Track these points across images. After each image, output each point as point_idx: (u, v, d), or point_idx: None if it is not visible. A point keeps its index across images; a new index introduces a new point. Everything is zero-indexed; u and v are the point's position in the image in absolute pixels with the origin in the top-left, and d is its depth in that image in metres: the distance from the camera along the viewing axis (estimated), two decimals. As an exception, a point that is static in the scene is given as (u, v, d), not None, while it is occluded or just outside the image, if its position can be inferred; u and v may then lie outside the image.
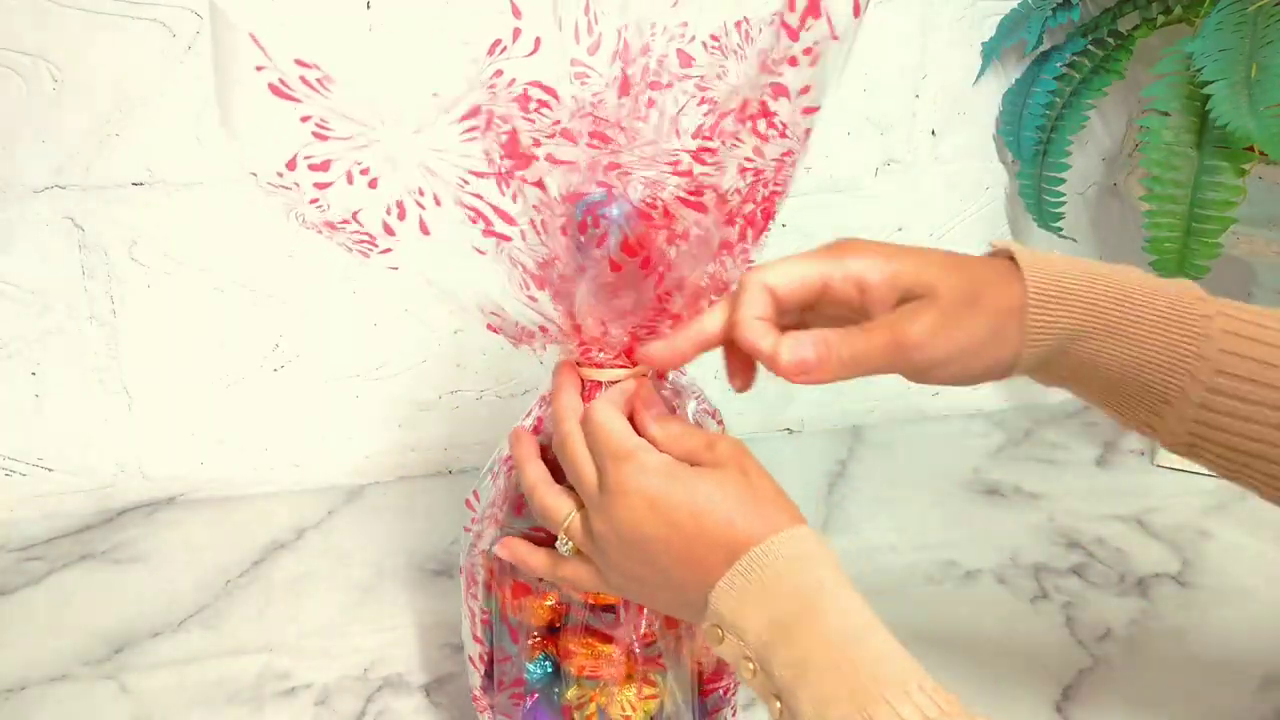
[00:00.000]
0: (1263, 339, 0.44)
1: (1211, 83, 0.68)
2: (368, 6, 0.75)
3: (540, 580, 0.50)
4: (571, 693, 0.51)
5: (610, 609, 0.50)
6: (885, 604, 0.72)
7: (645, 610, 0.50)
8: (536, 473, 0.48)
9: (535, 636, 0.52)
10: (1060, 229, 0.89)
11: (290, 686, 0.63)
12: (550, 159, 0.45)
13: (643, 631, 0.50)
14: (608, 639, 0.50)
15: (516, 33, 0.44)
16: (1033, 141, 0.87)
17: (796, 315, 0.47)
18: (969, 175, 0.94)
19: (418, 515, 0.83)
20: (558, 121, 0.45)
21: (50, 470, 0.82)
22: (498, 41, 0.45)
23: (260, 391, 0.84)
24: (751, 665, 0.41)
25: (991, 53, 0.89)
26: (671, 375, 0.52)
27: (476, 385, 0.89)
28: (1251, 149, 0.70)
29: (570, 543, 0.46)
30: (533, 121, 0.45)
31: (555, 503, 0.47)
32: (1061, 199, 0.88)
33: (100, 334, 0.79)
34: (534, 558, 0.49)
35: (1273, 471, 0.45)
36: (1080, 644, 0.67)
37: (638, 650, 0.50)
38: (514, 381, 0.90)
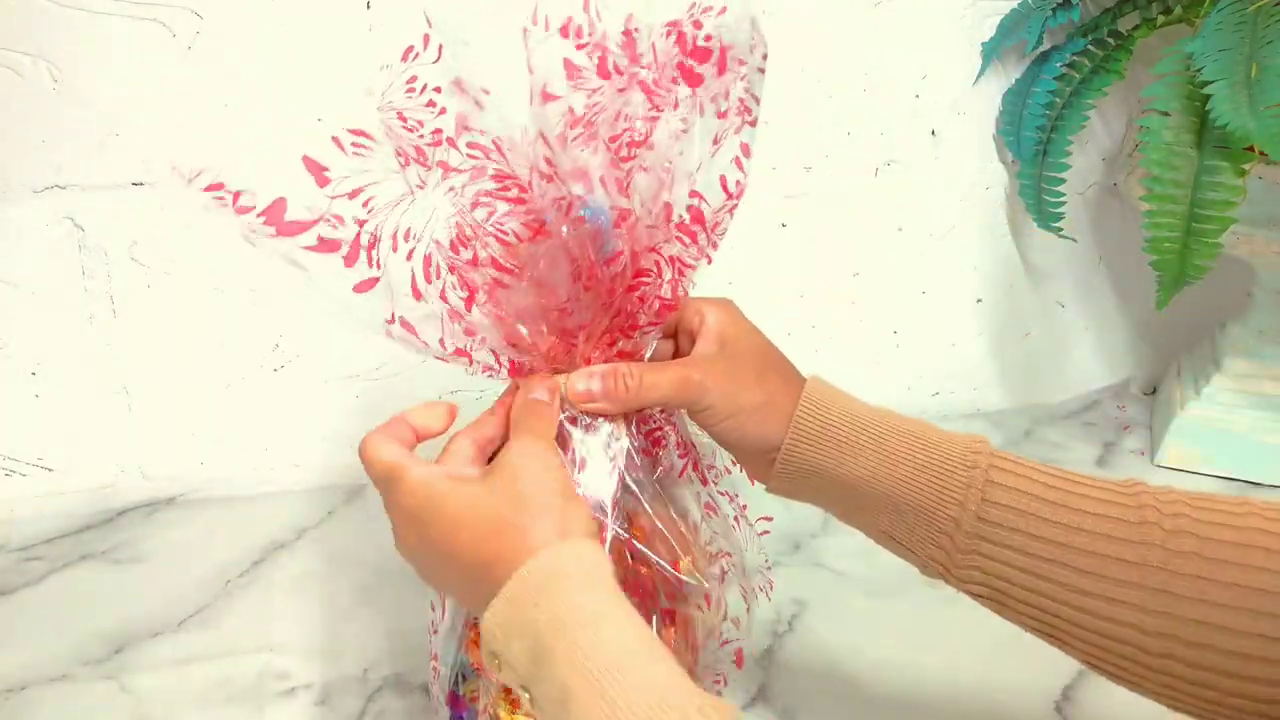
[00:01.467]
0: (1029, 475, 0.45)
1: (1211, 83, 0.68)
2: (368, 6, 0.75)
3: None
4: (466, 687, 0.51)
5: None
6: (885, 604, 0.72)
7: None
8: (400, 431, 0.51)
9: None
10: (1060, 229, 0.89)
11: (290, 686, 0.63)
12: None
13: None
14: None
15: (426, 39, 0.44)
16: (1033, 141, 0.87)
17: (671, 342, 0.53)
18: (969, 175, 0.94)
19: (418, 515, 0.83)
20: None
21: (50, 470, 0.82)
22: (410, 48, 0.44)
23: (260, 391, 0.84)
24: (527, 695, 0.39)
25: (991, 53, 0.89)
26: None
27: (476, 385, 0.89)
28: (1251, 149, 0.69)
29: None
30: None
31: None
32: (1061, 199, 0.88)
33: (100, 334, 0.79)
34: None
35: (1078, 621, 0.43)
36: (1080, 644, 0.67)
37: None
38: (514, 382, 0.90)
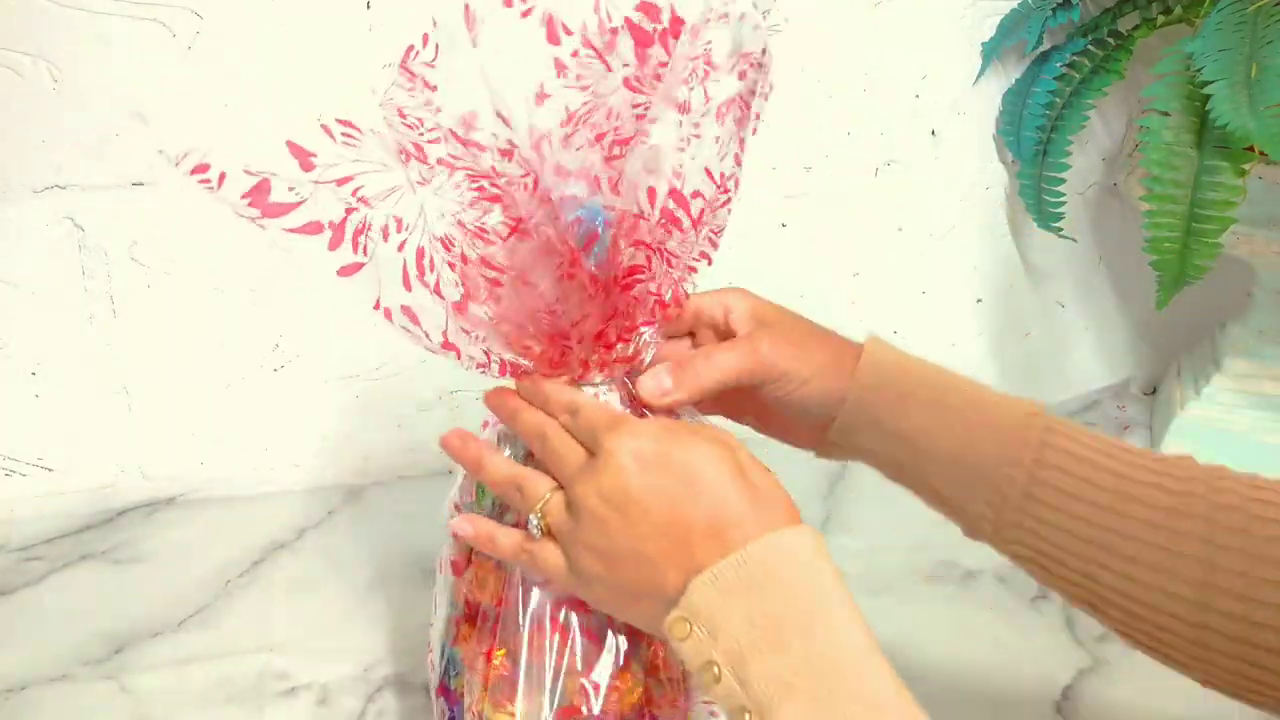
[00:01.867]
0: (1084, 441, 0.45)
1: (1211, 83, 0.68)
2: (368, 6, 0.75)
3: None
4: (456, 681, 0.51)
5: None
6: (885, 604, 0.72)
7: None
8: (502, 459, 0.49)
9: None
10: (1060, 229, 0.89)
11: (290, 686, 0.63)
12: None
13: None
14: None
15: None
16: (1033, 141, 0.87)
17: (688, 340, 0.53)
18: (969, 175, 0.94)
19: (418, 515, 0.83)
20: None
21: (50, 470, 0.82)
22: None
23: (260, 391, 0.84)
24: (715, 670, 0.37)
25: (991, 53, 0.89)
26: None
27: (476, 385, 0.89)
28: (1251, 149, 0.69)
29: (542, 520, 0.44)
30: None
31: (533, 481, 0.45)
32: (1061, 199, 0.88)
33: (100, 334, 0.79)
34: (502, 536, 0.47)
35: (1120, 589, 0.43)
36: (1080, 644, 0.67)
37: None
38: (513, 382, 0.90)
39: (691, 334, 0.53)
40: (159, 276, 0.79)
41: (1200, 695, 0.62)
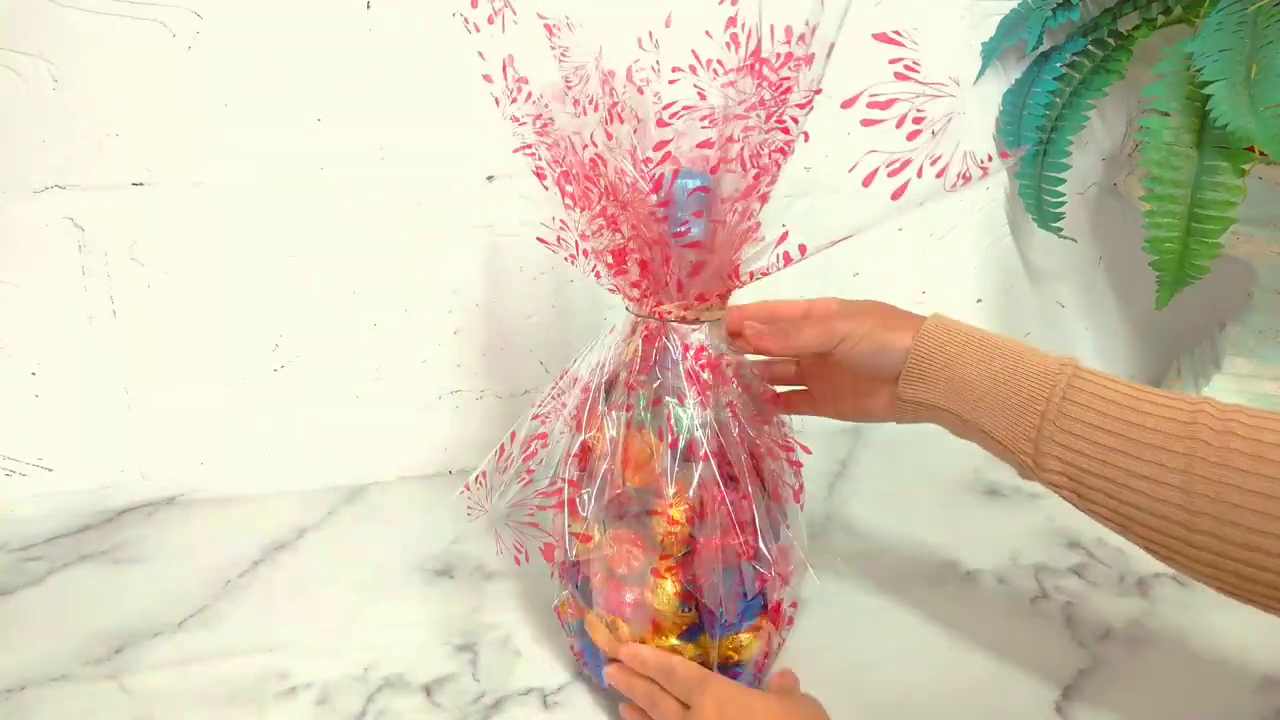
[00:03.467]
0: (1105, 382, 0.52)
1: (1211, 83, 0.68)
2: (368, 7, 0.75)
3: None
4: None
5: None
6: (886, 604, 0.72)
7: None
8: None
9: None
10: (1060, 229, 0.89)
11: (290, 686, 0.63)
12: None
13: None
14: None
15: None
16: (1033, 141, 0.87)
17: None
18: (969, 175, 0.94)
19: (418, 515, 0.83)
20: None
21: (50, 470, 0.82)
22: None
23: (260, 391, 0.84)
24: None
25: (991, 53, 0.89)
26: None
27: (476, 385, 0.89)
28: (1251, 149, 0.70)
29: None
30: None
31: None
32: (1061, 199, 0.88)
33: (100, 334, 0.79)
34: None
35: (1140, 505, 0.49)
36: (1080, 644, 0.67)
37: None
38: (514, 381, 0.90)
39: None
40: (159, 276, 0.79)
41: (1200, 694, 0.62)
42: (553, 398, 0.60)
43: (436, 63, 0.77)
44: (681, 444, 0.55)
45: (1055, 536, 0.80)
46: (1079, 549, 0.78)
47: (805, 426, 0.62)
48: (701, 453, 0.55)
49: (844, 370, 0.60)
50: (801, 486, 0.63)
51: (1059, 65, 0.86)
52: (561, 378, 0.61)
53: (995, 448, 0.55)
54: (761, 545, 0.55)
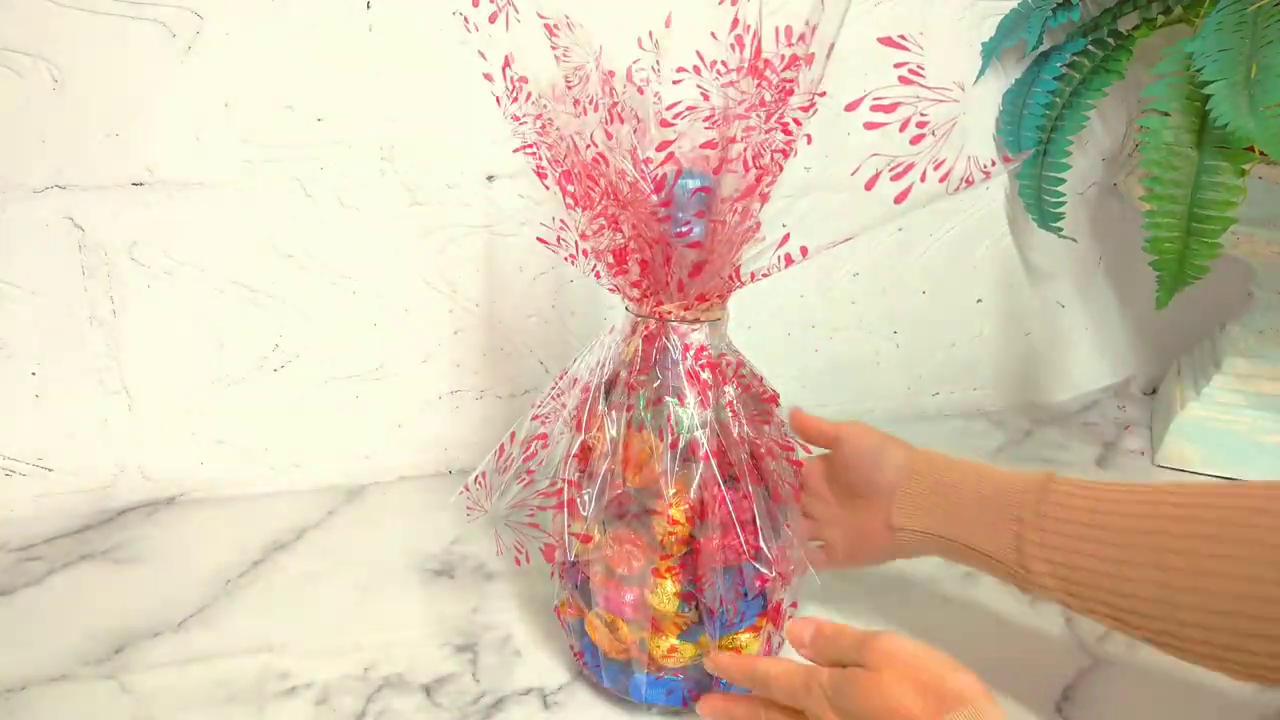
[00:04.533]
0: (1080, 481, 0.54)
1: (1211, 83, 0.68)
2: (368, 6, 0.75)
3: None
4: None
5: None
6: (887, 604, 0.72)
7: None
8: None
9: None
10: (1060, 229, 0.89)
11: (290, 686, 0.63)
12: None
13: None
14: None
15: None
16: (1033, 141, 0.87)
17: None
18: (969, 175, 0.94)
19: (418, 515, 0.83)
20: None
21: (50, 470, 0.82)
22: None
23: (260, 391, 0.84)
24: None
25: (991, 53, 0.89)
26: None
27: (476, 385, 0.89)
28: (1251, 149, 0.70)
29: None
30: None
31: None
32: (1061, 199, 0.88)
33: (100, 334, 0.79)
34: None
35: (1135, 594, 0.49)
36: (1080, 644, 0.67)
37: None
38: (514, 381, 0.90)
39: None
40: (159, 276, 0.79)
41: (1201, 694, 0.62)
42: (553, 398, 0.61)
43: (436, 63, 0.77)
44: (682, 444, 0.55)
45: (1055, 536, 0.80)
46: (1079, 549, 0.78)
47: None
48: (701, 453, 0.55)
49: (843, 487, 0.63)
50: (802, 485, 0.63)
51: (1059, 65, 0.86)
52: (561, 378, 0.61)
53: (987, 564, 0.56)
54: (762, 544, 0.55)
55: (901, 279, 0.96)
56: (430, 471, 0.90)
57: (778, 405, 0.61)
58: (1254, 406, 0.89)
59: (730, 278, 0.56)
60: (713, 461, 0.55)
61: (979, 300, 1.00)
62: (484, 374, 0.89)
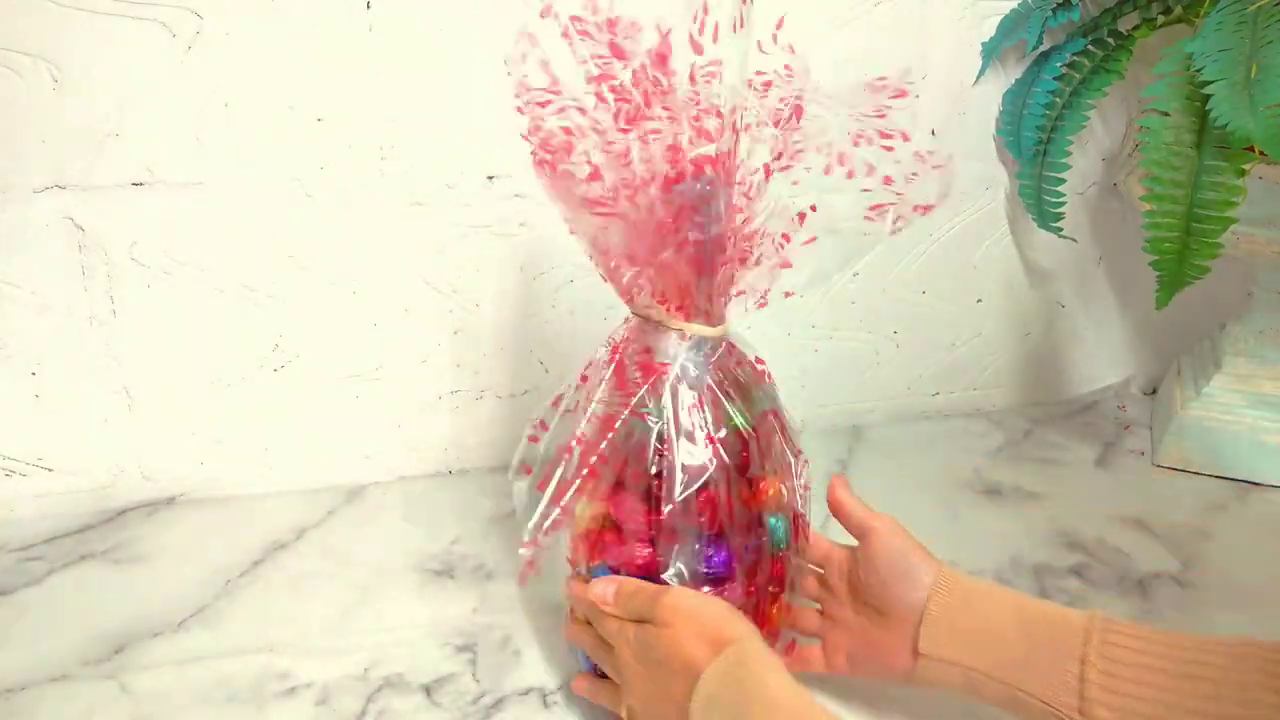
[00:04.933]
0: (1140, 635, 0.51)
1: (1211, 83, 0.68)
2: (368, 6, 0.75)
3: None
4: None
5: None
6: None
7: None
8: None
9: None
10: (1060, 229, 0.89)
11: (290, 686, 0.63)
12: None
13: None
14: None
15: None
16: (1033, 141, 0.87)
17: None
18: (969, 175, 0.94)
19: (418, 515, 0.83)
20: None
21: (50, 470, 0.82)
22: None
23: (260, 391, 0.84)
24: None
25: (991, 53, 0.89)
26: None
27: (476, 385, 0.89)
28: (1251, 149, 0.69)
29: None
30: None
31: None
32: (1061, 199, 0.88)
33: (100, 334, 0.79)
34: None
35: None
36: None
37: None
38: (514, 382, 0.90)
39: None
40: (159, 276, 0.79)
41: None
42: (551, 404, 0.61)
43: (436, 63, 0.77)
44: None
45: (1055, 536, 0.80)
46: (1079, 549, 0.78)
47: (804, 426, 0.62)
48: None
49: (864, 593, 0.59)
50: (820, 578, 0.62)
51: (1059, 65, 0.86)
52: (564, 388, 0.61)
53: (1028, 706, 0.52)
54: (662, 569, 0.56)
55: (901, 279, 0.97)
56: (430, 471, 0.90)
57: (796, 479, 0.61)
58: (1254, 406, 0.89)
59: (731, 282, 0.56)
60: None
61: (979, 300, 1.00)
62: (484, 374, 0.89)
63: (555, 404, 0.60)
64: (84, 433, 0.82)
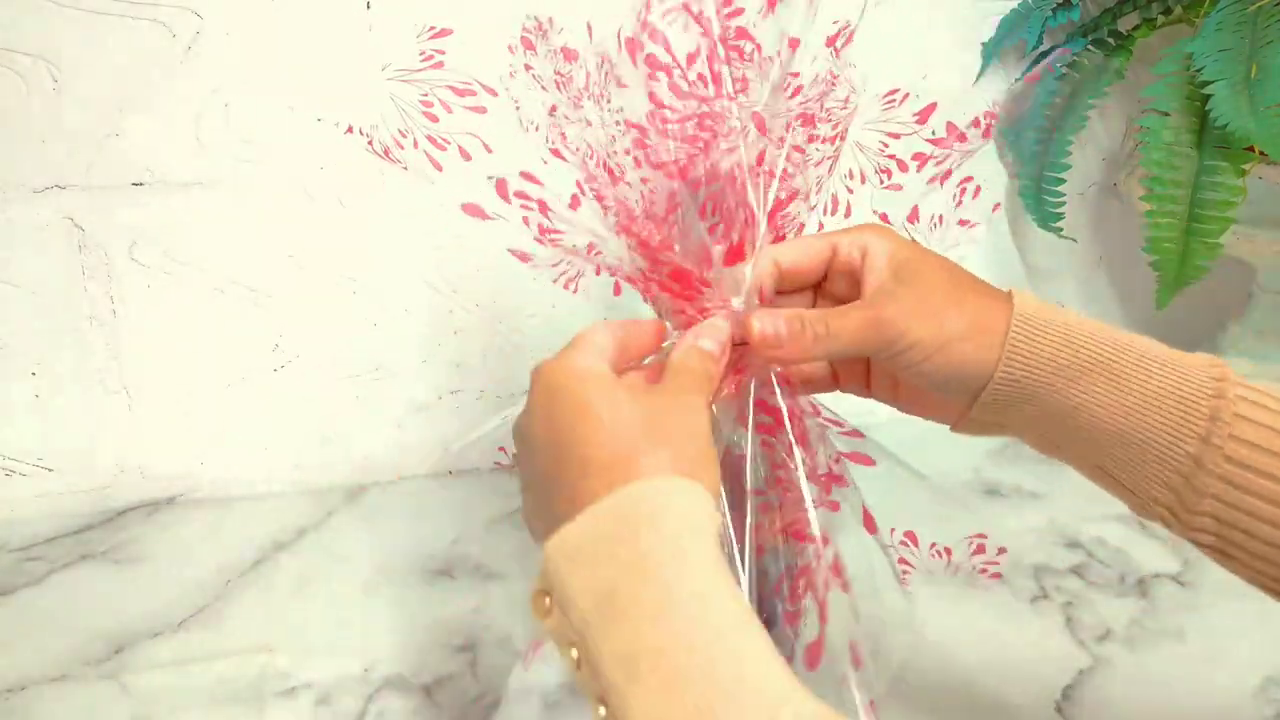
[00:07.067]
0: (1271, 403, 0.39)
1: (1211, 83, 0.68)
2: (368, 7, 0.75)
3: None
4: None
5: None
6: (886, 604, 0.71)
7: None
8: None
9: None
10: (1060, 229, 0.89)
11: (290, 686, 0.63)
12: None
13: None
14: None
15: None
16: (1033, 141, 0.87)
17: (809, 295, 0.48)
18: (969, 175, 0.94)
19: (418, 515, 0.83)
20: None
21: (50, 470, 0.82)
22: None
23: (260, 391, 0.84)
24: (575, 654, 0.31)
25: (991, 53, 0.89)
26: None
27: (476, 385, 0.89)
28: (1251, 149, 0.70)
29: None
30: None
31: None
32: (1061, 199, 0.88)
33: (100, 334, 0.79)
34: None
35: None
36: (1080, 644, 0.67)
37: None
38: (514, 381, 0.90)
39: (823, 280, 0.47)
40: (159, 276, 0.79)
41: (1201, 694, 0.62)
42: None
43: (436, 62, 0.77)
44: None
45: (1055, 536, 0.80)
46: (1079, 549, 0.78)
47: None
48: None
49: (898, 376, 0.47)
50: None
51: (1059, 65, 0.86)
52: None
53: (1107, 483, 0.43)
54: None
55: (901, 279, 0.96)
56: (430, 471, 0.90)
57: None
58: (1254, 406, 0.89)
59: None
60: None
61: (979, 300, 1.00)
62: (484, 374, 0.89)
63: None
64: (84, 433, 0.82)
